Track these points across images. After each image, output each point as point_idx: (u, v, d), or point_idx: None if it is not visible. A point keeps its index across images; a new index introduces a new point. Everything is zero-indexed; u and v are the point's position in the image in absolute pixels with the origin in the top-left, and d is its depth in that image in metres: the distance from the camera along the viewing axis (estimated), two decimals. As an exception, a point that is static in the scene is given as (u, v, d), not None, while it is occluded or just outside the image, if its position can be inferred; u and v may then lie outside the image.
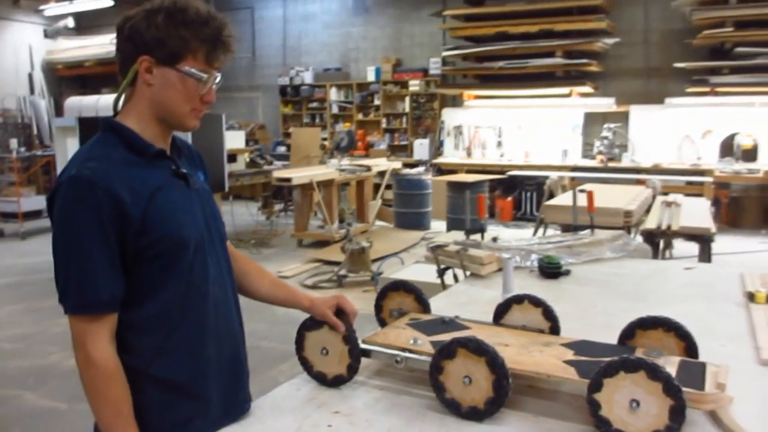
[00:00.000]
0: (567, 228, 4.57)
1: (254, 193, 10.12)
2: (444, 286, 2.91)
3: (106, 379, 1.28)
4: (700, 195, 7.39)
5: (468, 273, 2.77)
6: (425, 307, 1.84)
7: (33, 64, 14.45)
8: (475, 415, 1.37)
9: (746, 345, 1.85)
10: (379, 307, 1.88)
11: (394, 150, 12.70)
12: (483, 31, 10.99)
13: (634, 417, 1.24)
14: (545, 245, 2.90)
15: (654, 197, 6.02)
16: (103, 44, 14.02)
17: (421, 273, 4.95)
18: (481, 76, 11.48)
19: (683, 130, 9.86)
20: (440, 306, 1.87)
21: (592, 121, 10.62)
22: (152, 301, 1.35)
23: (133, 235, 1.30)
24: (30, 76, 14.30)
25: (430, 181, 9.63)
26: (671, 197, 5.72)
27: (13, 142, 10.53)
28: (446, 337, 1.46)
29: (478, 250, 2.79)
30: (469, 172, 10.39)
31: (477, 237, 3.15)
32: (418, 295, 1.84)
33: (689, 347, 1.52)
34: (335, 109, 13.46)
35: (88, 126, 6.80)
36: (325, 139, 12.01)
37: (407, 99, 12.58)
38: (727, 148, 9.57)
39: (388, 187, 9.89)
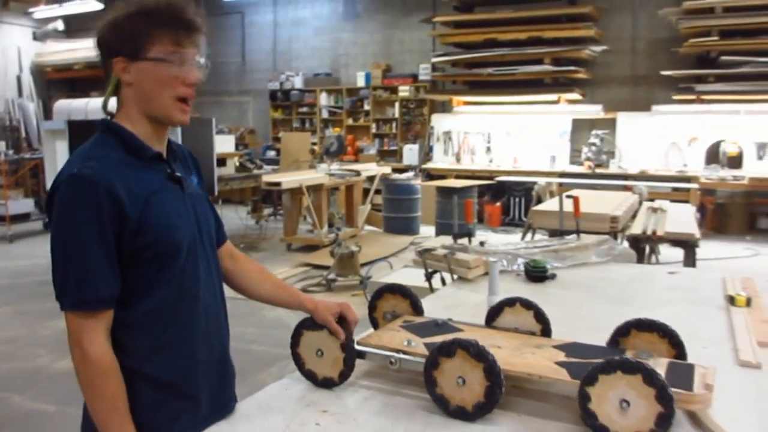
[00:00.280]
0: (554, 233, 4.63)
1: (244, 197, 10.12)
2: (432, 290, 2.94)
3: (102, 375, 1.30)
4: (686, 201, 7.49)
5: (455, 276, 2.81)
6: (419, 311, 1.87)
7: (21, 67, 14.39)
8: (461, 415, 1.40)
9: (726, 347, 1.90)
10: (373, 307, 1.91)
11: (383, 155, 12.75)
12: (472, 37, 11.06)
13: (621, 416, 1.27)
14: (531, 249, 2.94)
15: (640, 203, 6.10)
16: (92, 47, 13.81)
17: (410, 277, 4.99)
18: (471, 82, 11.56)
19: (670, 137, 9.96)
20: (427, 309, 1.90)
21: (580, 127, 10.71)
22: (145, 301, 1.37)
23: (129, 235, 1.32)
24: (18, 79, 14.24)
25: (420, 187, 9.67)
26: (657, 203, 5.80)
27: (1, 145, 10.50)
28: (440, 339, 1.49)
29: (466, 254, 2.83)
30: (458, 177, 10.44)
31: (464, 241, 3.18)
32: (412, 299, 1.87)
33: (680, 355, 1.56)
34: (325, 114, 13.49)
35: (77, 129, 6.79)
36: (314, 144, 12.03)
37: (397, 104, 12.64)
38: (713, 155, 9.68)
39: (377, 191, 9.93)
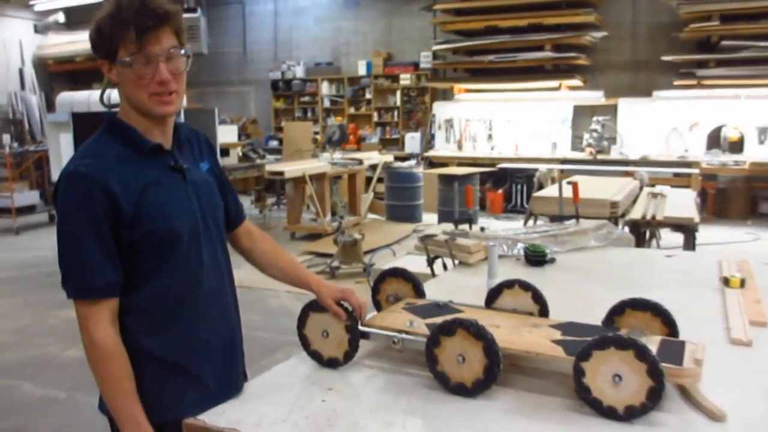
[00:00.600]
0: (554, 219, 4.67)
1: (247, 187, 10.18)
2: (434, 275, 3.00)
3: (108, 359, 1.39)
4: (687, 186, 7.51)
5: (456, 262, 2.87)
6: (420, 294, 1.93)
7: (23, 60, 14.42)
8: (461, 391, 1.47)
9: (719, 326, 1.96)
10: (376, 290, 1.97)
11: (385, 143, 12.78)
12: (473, 25, 11.06)
13: (613, 390, 1.34)
14: (531, 235, 3.00)
15: (641, 188, 6.14)
16: (93, 39, 14.01)
17: (412, 264, 5.03)
18: (472, 69, 11.56)
19: (671, 123, 9.98)
20: (429, 292, 1.96)
21: (581, 114, 10.72)
22: (148, 286, 1.45)
23: (126, 227, 1.39)
24: (20, 72, 14.27)
25: (422, 174, 9.71)
26: (657, 189, 5.84)
27: (6, 138, 10.54)
28: (441, 320, 1.54)
29: (466, 240, 2.88)
30: (460, 165, 10.48)
31: (465, 227, 3.24)
32: (415, 283, 1.93)
33: (672, 333, 1.62)
34: (327, 103, 13.51)
35: (81, 121, 6.83)
36: (317, 133, 12.07)
37: (398, 93, 12.65)
38: (714, 141, 9.70)
39: (379, 180, 9.97)
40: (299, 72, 13.56)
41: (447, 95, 12.12)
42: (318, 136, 10.82)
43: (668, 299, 1.73)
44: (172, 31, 1.42)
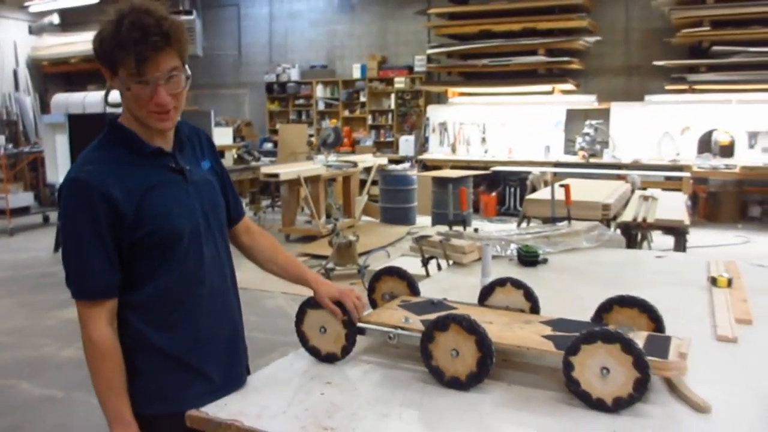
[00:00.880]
0: (547, 221, 4.73)
1: (242, 189, 10.21)
2: (428, 275, 3.05)
3: (101, 357, 1.45)
4: (678, 190, 7.60)
5: (451, 262, 2.91)
6: (415, 293, 1.98)
7: (18, 61, 14.41)
8: (456, 384, 1.51)
9: (706, 324, 2.01)
10: (372, 289, 2.01)
11: (379, 146, 12.83)
12: (467, 29, 11.13)
13: (601, 382, 1.39)
14: (524, 236, 3.05)
15: (633, 192, 6.21)
16: (88, 41, 13.80)
17: (407, 265, 5.07)
18: (466, 73, 11.63)
19: (662, 127, 10.07)
20: (424, 292, 2.01)
21: (574, 117, 10.81)
22: (151, 285, 1.50)
23: (127, 228, 1.44)
24: (15, 73, 14.27)
25: (416, 177, 9.76)
26: (649, 192, 5.91)
27: (0, 139, 10.54)
28: (435, 316, 1.58)
29: (460, 240, 2.93)
30: (453, 167, 10.53)
31: (459, 228, 3.29)
32: (410, 282, 1.98)
33: (659, 328, 1.67)
34: (321, 106, 13.56)
35: (77, 123, 6.86)
36: (311, 136, 12.11)
37: (392, 96, 12.71)
38: (705, 145, 9.79)
39: (374, 182, 10.02)
40: (294, 75, 13.61)
41: (441, 98, 12.19)
42: (313, 139, 10.87)
43: (657, 298, 1.78)
44: (174, 51, 1.42)
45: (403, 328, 1.66)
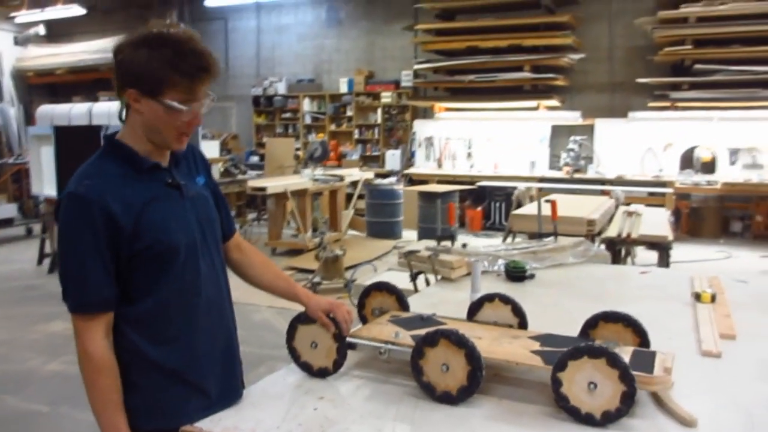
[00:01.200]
0: (533, 236, 4.78)
1: (228, 202, 10.18)
2: (416, 290, 3.08)
3: (98, 371, 1.45)
4: (661, 205, 7.69)
5: (439, 277, 2.94)
6: (405, 308, 2.00)
7: (2, 71, 14.33)
8: (447, 399, 1.53)
9: (690, 338, 2.05)
10: (362, 305, 2.03)
11: (366, 160, 12.88)
12: (454, 45, 11.24)
13: (589, 397, 1.42)
14: (511, 251, 3.09)
15: (617, 207, 6.29)
16: (74, 52, 13.98)
17: (394, 280, 5.09)
18: (452, 89, 11.73)
19: (646, 143, 10.21)
20: (413, 307, 2.03)
21: (559, 133, 10.92)
22: (149, 298, 1.51)
23: (126, 242, 1.46)
24: (0, 83, 14.20)
25: (402, 191, 9.80)
26: (633, 207, 5.99)
27: (-16, 150, 10.47)
28: (425, 331, 1.61)
29: (449, 255, 2.96)
30: (439, 182, 10.60)
31: (447, 243, 3.32)
32: (399, 297, 2.01)
33: (644, 343, 1.71)
34: (308, 120, 13.59)
35: (64, 135, 6.81)
36: (298, 149, 12.13)
37: (379, 110, 12.78)
38: (687, 161, 9.94)
39: (360, 196, 10.05)
40: (281, 88, 13.65)
41: (427, 113, 12.28)
42: (300, 153, 10.89)
43: (643, 313, 1.81)
44: (212, 79, 1.51)
45: (393, 343, 1.68)
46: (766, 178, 9.33)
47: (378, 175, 10.90)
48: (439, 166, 11.66)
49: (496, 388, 1.61)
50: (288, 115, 13.82)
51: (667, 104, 10.04)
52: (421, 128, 11.98)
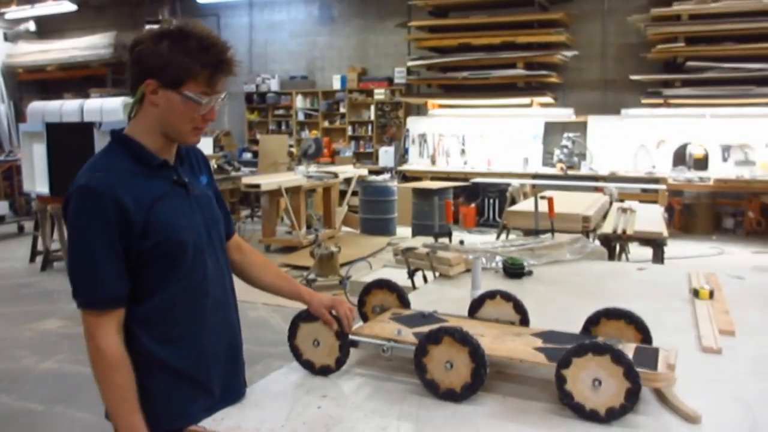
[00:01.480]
0: (529, 232, 4.79)
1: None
2: (414, 287, 3.07)
3: (112, 368, 1.42)
4: (654, 202, 7.71)
5: (437, 274, 2.94)
6: (406, 305, 1.99)
7: (-8, 68, 14.24)
8: (451, 397, 1.53)
9: (690, 335, 2.06)
10: (362, 302, 2.03)
11: (359, 157, 12.85)
12: (447, 42, 11.24)
13: (594, 394, 1.42)
14: (509, 248, 3.09)
15: (611, 204, 6.31)
16: (65, 49, 13.88)
17: (390, 276, 5.10)
18: (445, 85, 11.73)
19: (638, 140, 10.24)
20: (413, 304, 2.02)
21: (552, 130, 10.94)
22: (156, 296, 1.49)
23: (136, 238, 1.44)
24: (-11, 80, 14.09)
25: (396, 188, 9.80)
26: (627, 204, 6.00)
27: (-26, 148, 10.38)
28: (427, 329, 1.61)
29: (447, 252, 2.96)
30: (433, 179, 10.59)
31: (445, 240, 3.32)
32: (400, 294, 2.00)
33: (646, 340, 1.71)
34: (301, 117, 13.56)
35: (56, 132, 6.77)
36: (291, 146, 12.10)
37: (372, 107, 12.76)
38: (680, 158, 9.98)
39: (354, 193, 10.03)
40: (274, 85, 13.60)
41: (421, 110, 12.27)
42: (293, 149, 10.86)
43: (642, 310, 1.82)
44: (231, 73, 1.54)
45: (396, 341, 1.67)
46: (757, 174, 9.37)
47: (371, 172, 10.87)
48: (433, 162, 11.66)
49: (500, 386, 1.60)
50: (281, 111, 13.77)
51: (660, 101, 10.07)
52: (415, 125, 11.98)
